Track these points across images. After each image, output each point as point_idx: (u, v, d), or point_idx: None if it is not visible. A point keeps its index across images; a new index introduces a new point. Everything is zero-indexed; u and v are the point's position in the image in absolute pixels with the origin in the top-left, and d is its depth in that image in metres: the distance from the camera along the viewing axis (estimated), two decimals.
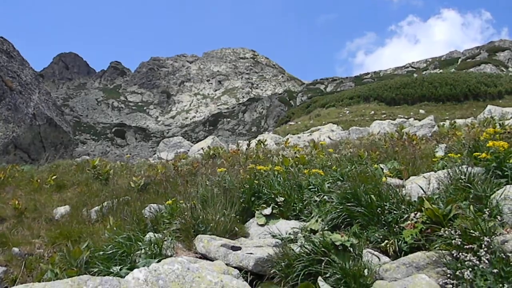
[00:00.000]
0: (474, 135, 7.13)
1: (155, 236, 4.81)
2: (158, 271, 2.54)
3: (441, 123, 15.77)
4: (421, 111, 48.52)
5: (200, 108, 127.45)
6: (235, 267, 4.13)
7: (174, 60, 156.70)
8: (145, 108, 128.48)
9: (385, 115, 47.59)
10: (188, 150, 18.98)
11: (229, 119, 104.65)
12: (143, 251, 4.55)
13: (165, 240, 4.73)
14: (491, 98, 48.95)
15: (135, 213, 6.20)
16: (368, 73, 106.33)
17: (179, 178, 8.68)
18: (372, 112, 51.91)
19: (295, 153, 9.61)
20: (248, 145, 15.85)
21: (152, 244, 4.58)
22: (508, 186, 4.46)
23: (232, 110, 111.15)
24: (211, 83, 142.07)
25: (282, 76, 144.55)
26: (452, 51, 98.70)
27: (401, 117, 38.61)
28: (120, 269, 3.97)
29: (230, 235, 5.15)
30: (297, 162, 8.13)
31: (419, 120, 23.00)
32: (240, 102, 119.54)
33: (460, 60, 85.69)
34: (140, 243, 4.73)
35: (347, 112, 55.19)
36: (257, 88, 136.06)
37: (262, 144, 14.83)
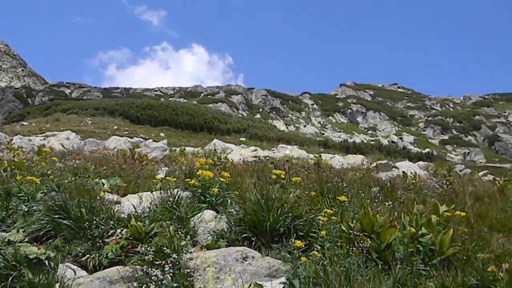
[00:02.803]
0: (192, 163, 7.96)
1: None
2: None
3: (174, 148, 16.94)
4: (162, 134, 50.86)
5: None
6: None
7: None
8: None
9: (127, 132, 47.74)
10: None
11: None
12: None
13: None
14: (222, 133, 55.44)
15: None
16: (118, 88, 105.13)
17: None
18: (116, 127, 51.37)
19: (14, 156, 8.64)
20: None
21: None
22: (206, 210, 5.16)
23: None
24: None
25: (23, 70, 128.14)
26: (197, 85, 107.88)
27: (142, 137, 39.54)
28: None
29: None
30: (13, 167, 7.33)
31: (157, 142, 24.05)
32: None
33: (202, 94, 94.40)
34: None
35: (90, 122, 53.02)
36: None
37: None
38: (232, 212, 4.73)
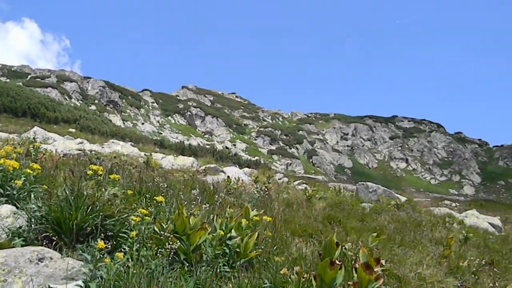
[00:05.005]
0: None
1: None
2: None
3: None
4: None
5: None
6: None
7: None
8: None
9: None
10: None
11: None
12: None
13: None
14: (49, 121, 50.43)
15: None
16: None
17: None
18: None
19: None
20: None
21: None
22: (5, 205, 4.53)
23: None
24: None
25: None
26: (25, 65, 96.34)
27: None
28: None
29: None
30: None
31: None
32: None
33: (30, 76, 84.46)
34: None
35: None
36: None
37: None
38: (34, 208, 4.24)
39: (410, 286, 4.77)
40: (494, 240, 10.22)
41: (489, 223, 13.53)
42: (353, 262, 3.50)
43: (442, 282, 5.42)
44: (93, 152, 12.80)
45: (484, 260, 7.12)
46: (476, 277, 6.08)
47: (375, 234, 5.13)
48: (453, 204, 26.79)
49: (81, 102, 79.00)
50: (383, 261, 4.41)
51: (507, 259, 8.05)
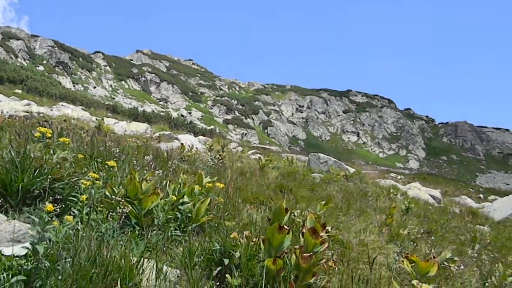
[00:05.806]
0: None
1: None
2: None
3: None
4: None
5: None
6: None
7: None
8: None
9: None
10: None
11: None
12: None
13: None
14: None
15: None
16: None
17: None
18: None
19: None
20: None
21: None
22: None
23: None
24: None
25: None
26: None
27: None
28: None
29: None
30: None
31: None
32: None
33: None
34: None
35: None
36: None
37: None
38: None
39: (353, 251, 5.04)
40: (433, 211, 10.88)
41: (430, 195, 14.34)
42: (301, 227, 3.65)
43: (383, 248, 5.75)
44: (41, 114, 12.29)
45: (423, 229, 7.59)
46: (415, 244, 6.49)
47: (323, 202, 5.34)
48: (398, 177, 28.05)
49: (28, 61, 74.88)
50: (329, 227, 4.62)
51: (444, 229, 8.63)
